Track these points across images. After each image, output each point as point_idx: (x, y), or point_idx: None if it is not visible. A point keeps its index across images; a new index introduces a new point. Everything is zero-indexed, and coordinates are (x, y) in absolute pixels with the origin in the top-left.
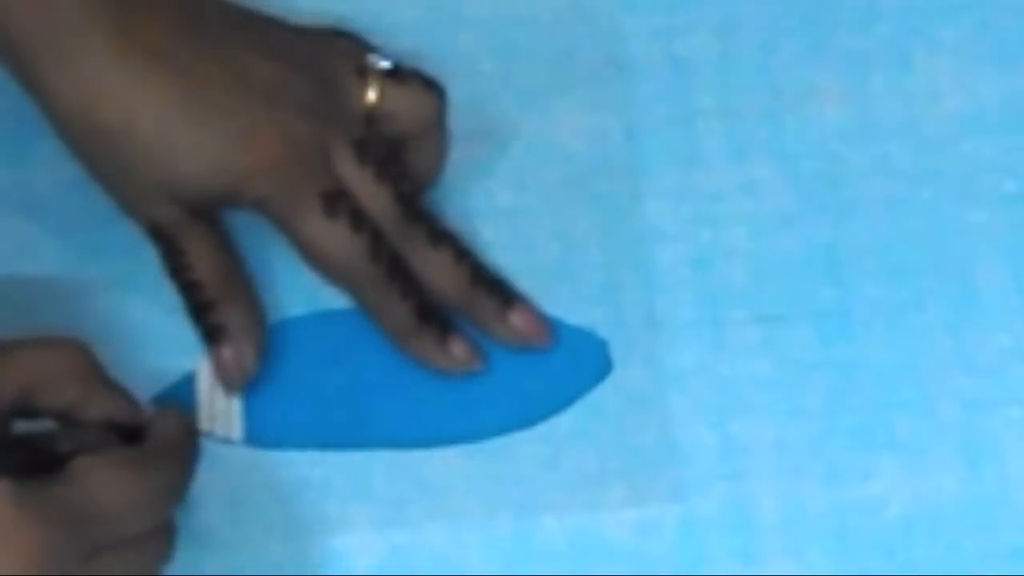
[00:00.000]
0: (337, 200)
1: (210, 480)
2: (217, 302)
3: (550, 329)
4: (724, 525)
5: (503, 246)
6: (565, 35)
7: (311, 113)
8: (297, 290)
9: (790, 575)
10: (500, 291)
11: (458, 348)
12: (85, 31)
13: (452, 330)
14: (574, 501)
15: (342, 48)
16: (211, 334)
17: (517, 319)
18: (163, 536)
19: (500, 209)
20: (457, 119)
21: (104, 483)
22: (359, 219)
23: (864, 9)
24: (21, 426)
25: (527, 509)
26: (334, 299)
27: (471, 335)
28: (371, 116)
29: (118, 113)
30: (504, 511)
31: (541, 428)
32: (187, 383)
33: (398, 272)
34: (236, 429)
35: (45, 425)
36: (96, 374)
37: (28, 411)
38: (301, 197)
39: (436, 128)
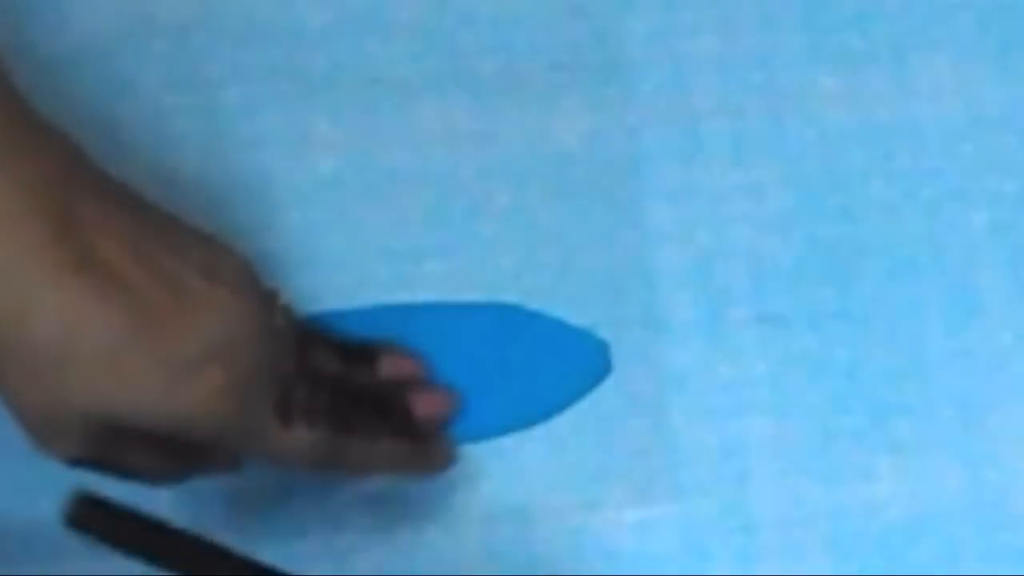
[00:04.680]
0: (288, 409)
1: (211, 480)
2: None
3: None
4: (724, 525)
5: (503, 246)
6: (565, 35)
7: (258, 336)
8: (299, 290)
9: (790, 575)
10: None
11: (442, 446)
12: (23, 239)
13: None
14: (574, 501)
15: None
16: None
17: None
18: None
19: (500, 209)
20: (457, 119)
21: None
22: (311, 414)
23: (864, 9)
24: None
25: (527, 509)
26: (336, 299)
27: (473, 338)
28: None
29: (57, 330)
30: (504, 511)
31: (541, 428)
32: None
33: (363, 427)
34: None
35: None
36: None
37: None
38: (257, 423)
39: None
